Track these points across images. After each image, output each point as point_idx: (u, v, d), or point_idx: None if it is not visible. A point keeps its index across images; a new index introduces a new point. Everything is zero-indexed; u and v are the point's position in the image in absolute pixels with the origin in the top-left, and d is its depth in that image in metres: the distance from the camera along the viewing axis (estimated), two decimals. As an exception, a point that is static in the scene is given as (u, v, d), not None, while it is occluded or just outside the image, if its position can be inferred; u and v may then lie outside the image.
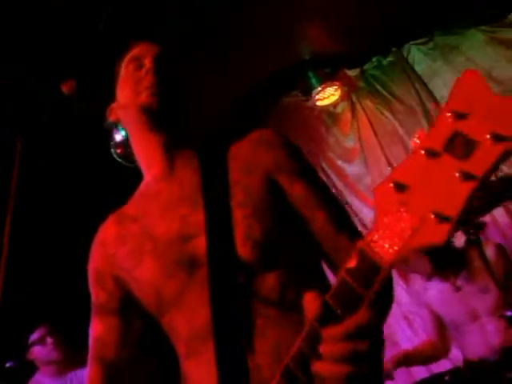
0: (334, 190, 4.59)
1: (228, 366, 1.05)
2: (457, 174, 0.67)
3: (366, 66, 4.48)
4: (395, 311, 4.17)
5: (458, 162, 0.68)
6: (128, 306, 1.28)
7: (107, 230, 1.34)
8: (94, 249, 1.36)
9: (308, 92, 4.50)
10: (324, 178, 4.53)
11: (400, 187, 0.71)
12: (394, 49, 4.35)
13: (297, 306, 0.99)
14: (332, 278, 0.99)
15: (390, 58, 4.39)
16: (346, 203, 4.48)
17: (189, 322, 1.14)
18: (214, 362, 1.06)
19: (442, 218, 0.67)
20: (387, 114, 4.40)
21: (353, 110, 4.53)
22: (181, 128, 1.32)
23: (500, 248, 2.95)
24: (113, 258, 1.29)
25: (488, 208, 2.86)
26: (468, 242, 2.64)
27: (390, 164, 4.35)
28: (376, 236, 0.73)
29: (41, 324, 3.42)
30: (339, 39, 4.15)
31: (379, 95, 4.44)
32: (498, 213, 3.59)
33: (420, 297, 3.10)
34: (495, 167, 0.66)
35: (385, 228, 0.72)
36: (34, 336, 3.37)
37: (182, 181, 1.26)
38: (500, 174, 3.57)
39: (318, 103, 4.51)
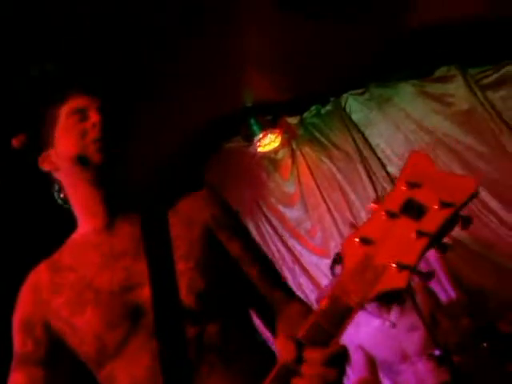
0: (274, 234, 4.67)
1: None
2: (412, 232, 0.83)
3: (305, 115, 4.65)
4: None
5: (413, 222, 0.84)
6: (54, 357, 1.25)
7: (40, 277, 1.31)
8: (23, 294, 1.33)
9: (249, 138, 4.61)
10: (265, 223, 4.68)
11: (366, 241, 0.86)
12: (332, 98, 4.54)
13: (238, 354, 1.18)
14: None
15: (328, 107, 4.57)
16: (288, 247, 4.56)
17: (130, 372, 1.16)
18: None
19: (402, 267, 0.82)
20: (326, 160, 4.55)
21: (293, 156, 4.67)
22: (121, 182, 1.35)
23: (428, 292, 3.09)
24: (46, 305, 1.27)
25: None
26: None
27: (328, 208, 4.48)
28: (346, 280, 0.85)
29: None
30: (280, 88, 4.31)
31: (318, 142, 4.60)
32: (430, 255, 3.75)
33: (352, 338, 3.16)
34: (445, 226, 0.83)
35: (353, 275, 0.85)
36: None
37: (122, 234, 1.29)
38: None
39: (260, 149, 4.62)
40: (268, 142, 4.61)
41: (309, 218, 4.59)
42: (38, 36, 2.65)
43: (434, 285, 3.56)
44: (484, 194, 3.83)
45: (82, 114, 1.34)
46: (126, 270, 1.23)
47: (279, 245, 4.62)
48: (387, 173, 4.25)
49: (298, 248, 4.55)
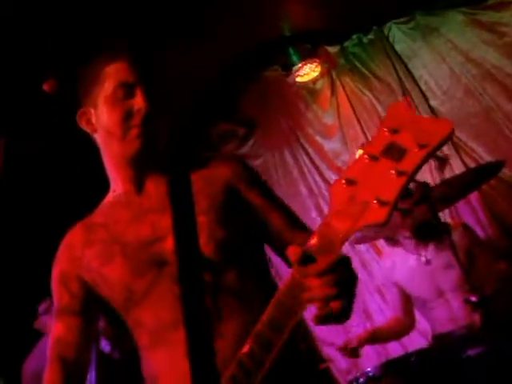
0: (311, 165, 4.65)
1: (198, 349, 1.20)
2: (392, 171, 0.90)
3: (346, 44, 4.48)
4: (368, 284, 4.30)
5: (393, 163, 0.91)
6: (90, 308, 1.41)
7: (74, 235, 1.45)
8: (60, 252, 1.46)
9: (288, 68, 4.50)
10: (303, 154, 4.65)
11: (350, 182, 0.94)
12: (374, 27, 4.35)
13: (254, 296, 1.30)
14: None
15: (370, 36, 4.39)
16: (325, 179, 4.55)
17: (156, 315, 1.29)
18: (182, 348, 1.21)
19: (382, 203, 0.90)
20: (366, 91, 4.43)
21: (332, 86, 4.55)
22: (154, 152, 1.41)
23: (466, 228, 3.07)
24: (79, 260, 1.40)
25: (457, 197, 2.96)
26: (436, 219, 2.75)
27: (367, 141, 4.42)
28: (331, 219, 0.95)
29: (48, 296, 3.51)
30: (320, 16, 4.15)
31: (359, 73, 4.46)
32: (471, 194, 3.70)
33: (389, 275, 3.21)
34: (421, 166, 0.90)
35: (338, 213, 0.94)
36: (42, 306, 3.49)
37: (150, 193, 1.41)
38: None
39: (298, 79, 4.51)
40: (307, 72, 4.49)
41: (347, 151, 4.53)
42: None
43: (473, 224, 3.54)
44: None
45: (128, 90, 1.38)
46: (151, 225, 1.35)
47: (316, 176, 4.61)
48: (430, 106, 4.12)
49: (334, 179, 4.54)
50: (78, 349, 1.38)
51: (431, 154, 0.90)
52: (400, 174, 0.90)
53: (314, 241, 0.97)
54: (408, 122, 0.93)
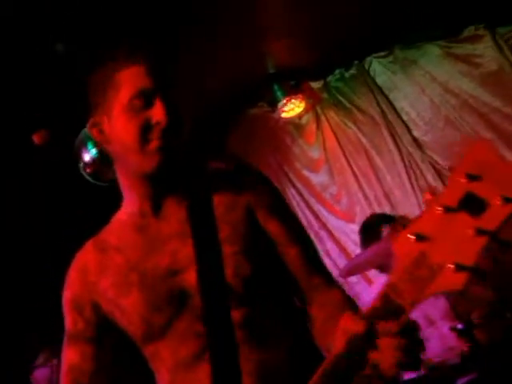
0: (300, 199, 4.70)
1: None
2: (471, 229, 0.77)
3: (329, 79, 4.59)
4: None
5: (471, 218, 0.78)
6: (104, 334, 1.32)
7: (87, 257, 1.35)
8: (72, 274, 1.37)
9: (273, 104, 4.59)
10: (291, 188, 4.70)
11: (420, 238, 0.81)
12: (355, 62, 4.47)
13: (274, 333, 1.23)
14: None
15: (352, 71, 4.50)
16: (314, 212, 4.59)
17: (174, 352, 1.22)
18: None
19: (459, 267, 0.78)
20: (350, 124, 4.52)
21: (317, 121, 4.64)
22: (172, 167, 1.29)
23: None
24: (94, 285, 1.31)
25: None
26: None
27: (354, 173, 4.48)
28: (399, 280, 0.83)
29: (44, 348, 3.45)
30: (303, 53, 4.26)
31: (342, 106, 4.56)
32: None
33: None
34: (504, 224, 0.77)
35: (405, 274, 0.82)
36: (38, 360, 3.42)
37: (169, 218, 1.30)
38: None
39: (284, 115, 4.59)
40: (292, 108, 4.58)
41: (334, 183, 4.60)
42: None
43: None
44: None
45: (147, 98, 1.25)
46: (172, 254, 1.25)
47: (305, 210, 4.65)
48: (412, 137, 4.21)
49: (324, 213, 4.58)
50: (93, 377, 1.30)
51: None
52: (480, 232, 0.77)
53: (377, 304, 0.88)
54: (491, 167, 0.77)
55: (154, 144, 1.23)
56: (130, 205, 1.34)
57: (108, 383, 1.32)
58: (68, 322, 1.35)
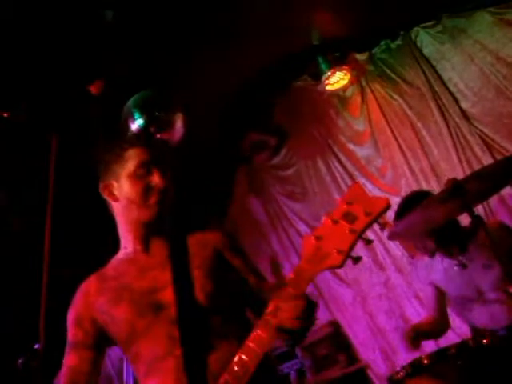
0: (344, 172, 4.68)
1: (193, 370, 1.54)
2: (347, 230, 1.38)
3: (374, 50, 4.52)
4: (405, 289, 4.29)
5: (348, 225, 1.38)
6: (100, 342, 1.72)
7: (90, 284, 1.77)
8: (76, 297, 1.77)
9: (318, 77, 4.56)
10: (335, 161, 4.69)
11: (318, 238, 1.40)
12: (402, 32, 4.38)
13: (233, 335, 1.64)
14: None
15: (398, 42, 4.42)
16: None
17: (151, 349, 1.61)
18: (171, 375, 1.55)
19: (339, 252, 1.36)
20: (396, 96, 4.45)
21: (362, 93, 4.59)
22: (161, 218, 1.78)
23: (502, 226, 3.03)
24: (93, 304, 1.71)
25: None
26: (473, 220, 2.72)
27: (399, 146, 4.42)
28: (304, 263, 1.41)
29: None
30: (347, 24, 4.21)
31: (388, 78, 4.49)
32: (506, 192, 3.66)
33: (424, 275, 3.19)
34: (367, 227, 1.38)
35: (308, 259, 1.40)
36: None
37: (155, 254, 1.78)
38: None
39: (328, 87, 4.57)
40: (337, 80, 4.55)
41: (379, 156, 4.56)
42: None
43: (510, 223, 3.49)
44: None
45: (147, 168, 1.78)
46: (153, 279, 1.70)
47: (349, 182, 4.64)
48: (460, 108, 4.11)
49: (369, 187, 4.55)
50: (88, 376, 1.69)
51: (374, 220, 1.37)
52: (352, 231, 1.37)
53: (291, 276, 1.41)
54: (360, 197, 1.39)
55: (154, 199, 1.75)
56: (127, 245, 1.81)
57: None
58: (70, 334, 1.73)
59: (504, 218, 3.65)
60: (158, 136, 3.37)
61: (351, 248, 1.36)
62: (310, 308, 1.41)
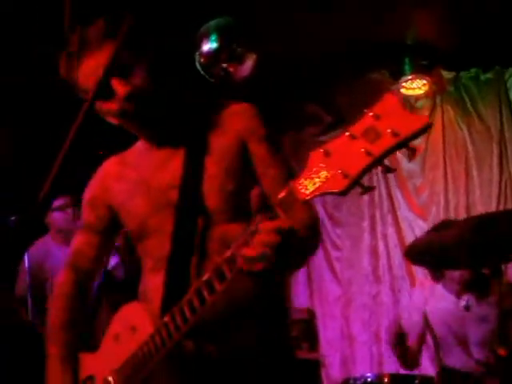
0: (382, 177, 4.57)
1: (175, 276, 1.44)
2: (363, 150, 1.00)
3: (462, 73, 4.38)
4: (391, 312, 4.25)
5: (367, 143, 1.00)
6: (111, 228, 1.65)
7: (110, 167, 1.67)
8: (94, 178, 1.68)
9: (396, 76, 4.44)
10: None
11: (326, 153, 1.06)
12: (497, 67, 4.23)
13: None
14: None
15: (488, 75, 4.27)
16: (389, 194, 4.48)
17: (161, 246, 1.49)
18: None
19: (345, 175, 1.02)
20: (463, 126, 4.34)
21: (432, 110, 4.46)
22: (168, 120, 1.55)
23: None
24: (111, 189, 1.62)
25: None
26: (491, 271, 2.67)
27: (445, 174, 4.32)
28: (302, 180, 1.08)
29: (65, 194, 3.55)
30: (447, 36, 4.07)
31: (463, 106, 4.36)
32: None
33: (418, 302, 3.15)
34: (389, 152, 0.98)
35: (309, 175, 1.07)
36: (57, 202, 3.53)
37: (171, 147, 1.55)
38: None
39: (403, 90, 4.44)
40: (414, 87, 4.42)
41: (422, 176, 4.47)
42: None
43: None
44: None
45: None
46: (172, 173, 1.51)
47: (382, 188, 4.56)
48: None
49: (400, 200, 4.48)
50: (92, 261, 1.66)
51: (402, 144, 0.98)
52: (368, 154, 1.00)
53: (282, 194, 1.11)
54: (392, 111, 1.01)
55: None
56: (146, 140, 1.61)
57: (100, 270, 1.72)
58: (84, 215, 1.68)
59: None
60: (225, 66, 3.33)
61: (360, 174, 1.00)
62: (283, 247, 1.14)
